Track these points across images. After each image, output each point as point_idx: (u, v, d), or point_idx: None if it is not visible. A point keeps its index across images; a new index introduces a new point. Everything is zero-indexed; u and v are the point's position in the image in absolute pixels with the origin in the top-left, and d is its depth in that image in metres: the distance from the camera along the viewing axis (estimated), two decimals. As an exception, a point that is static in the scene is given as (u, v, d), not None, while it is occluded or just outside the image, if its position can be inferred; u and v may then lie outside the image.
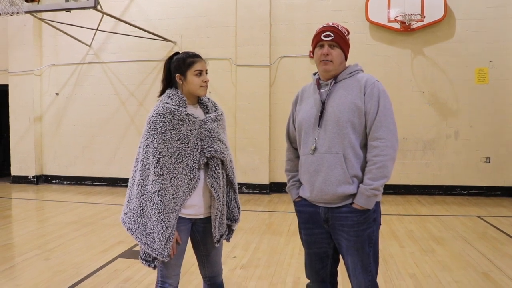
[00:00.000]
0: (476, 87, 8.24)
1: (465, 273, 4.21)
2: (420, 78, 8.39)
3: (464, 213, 6.92)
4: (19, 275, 4.22)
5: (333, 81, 2.46)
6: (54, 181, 10.03)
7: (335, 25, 2.48)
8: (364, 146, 2.40)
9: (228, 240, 2.76)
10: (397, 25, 8.22)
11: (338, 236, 2.43)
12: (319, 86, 2.52)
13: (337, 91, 2.43)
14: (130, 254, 4.87)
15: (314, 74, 2.62)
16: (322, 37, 2.45)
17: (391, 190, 8.39)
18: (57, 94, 9.91)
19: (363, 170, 2.37)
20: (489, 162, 8.27)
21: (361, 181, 2.37)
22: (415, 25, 8.13)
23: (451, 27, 8.27)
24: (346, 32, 2.51)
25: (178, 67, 2.57)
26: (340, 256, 2.56)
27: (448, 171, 8.39)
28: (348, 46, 2.52)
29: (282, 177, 8.80)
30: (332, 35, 2.43)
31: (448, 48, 8.28)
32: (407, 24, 8.08)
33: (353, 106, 2.36)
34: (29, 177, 9.95)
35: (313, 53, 2.55)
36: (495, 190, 8.27)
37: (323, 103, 2.43)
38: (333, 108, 2.39)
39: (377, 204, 2.43)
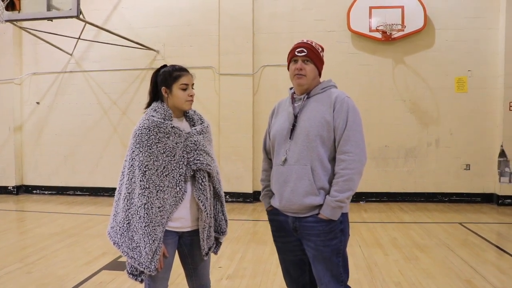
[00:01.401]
0: (456, 96, 8.40)
1: (449, 281, 4.27)
2: (401, 87, 8.52)
3: (445, 220, 7.02)
4: (1, 290, 4.15)
5: (306, 96, 2.56)
6: (35, 191, 9.88)
7: (309, 42, 2.59)
8: (333, 160, 2.48)
9: (215, 253, 2.77)
10: (378, 35, 8.33)
11: (305, 246, 2.52)
12: (293, 100, 2.62)
13: (309, 106, 2.53)
14: (115, 265, 4.82)
15: (291, 88, 2.71)
16: (296, 53, 2.56)
17: (374, 197, 8.47)
18: (37, 103, 9.78)
19: (330, 182, 2.46)
20: (469, 169, 8.42)
21: (328, 193, 2.45)
22: (396, 34, 8.26)
23: (431, 37, 8.42)
24: (320, 49, 2.62)
25: (164, 80, 2.57)
26: None
27: (430, 179, 8.51)
28: (321, 62, 2.62)
29: (266, 186, 8.78)
30: (305, 51, 2.54)
31: (428, 57, 8.43)
32: (388, 33, 8.21)
33: (323, 120, 2.45)
34: (9, 188, 9.78)
35: (288, 69, 2.64)
36: (475, 196, 8.41)
37: (296, 117, 2.53)
38: (304, 122, 2.48)
39: (345, 215, 2.52)
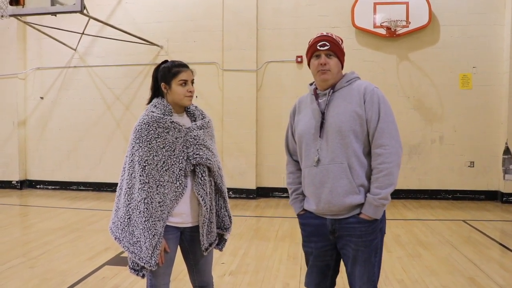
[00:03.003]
0: (460, 92, 8.35)
1: (452, 278, 4.26)
2: (405, 83, 8.48)
3: (449, 217, 7.00)
4: (4, 284, 4.14)
5: (331, 90, 2.42)
6: (38, 186, 9.91)
7: (329, 34, 2.45)
8: (368, 154, 2.37)
9: (221, 249, 2.76)
10: (382, 31, 8.30)
11: (345, 247, 2.41)
12: (316, 96, 2.47)
13: (336, 100, 2.40)
14: (117, 261, 4.82)
15: (311, 84, 2.57)
16: (318, 47, 2.40)
17: (377, 194, 8.43)
18: (41, 98, 9.79)
19: (368, 178, 2.35)
20: (473, 166, 8.38)
21: (367, 190, 2.34)
22: (400, 30, 8.22)
23: (436, 33, 8.37)
24: (341, 41, 2.49)
25: (164, 76, 2.57)
26: (341, 267, 2.55)
27: (433, 176, 8.48)
28: (343, 54, 2.49)
29: (268, 182, 8.81)
30: (328, 44, 2.40)
31: (432, 53, 8.39)
32: (392, 29, 8.17)
33: (354, 114, 2.33)
34: (12, 182, 9.81)
35: (308, 64, 2.51)
36: (479, 194, 8.38)
37: (323, 113, 2.39)
38: (334, 117, 2.35)
39: (384, 213, 2.41)
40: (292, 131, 2.61)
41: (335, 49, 2.42)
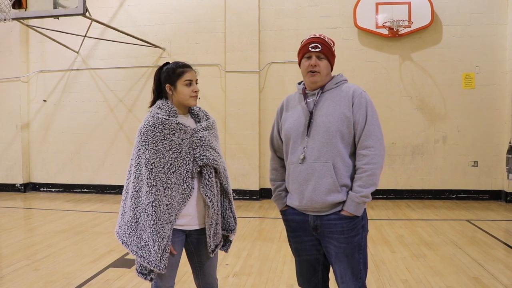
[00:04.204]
0: (463, 92, 8.34)
1: (457, 278, 4.25)
2: (408, 83, 8.47)
3: (453, 217, 6.98)
4: (8, 287, 4.15)
5: (320, 91, 2.49)
6: (42, 189, 9.92)
7: (321, 37, 2.52)
8: (352, 155, 2.43)
9: (226, 251, 2.76)
10: (385, 31, 8.28)
11: (327, 244, 2.45)
12: (305, 95, 2.54)
13: (325, 101, 2.46)
14: (121, 263, 4.82)
15: (299, 83, 2.64)
16: (310, 49, 2.47)
17: (381, 194, 8.43)
18: (44, 101, 9.81)
19: (351, 178, 2.41)
20: (477, 166, 8.36)
21: (349, 189, 2.40)
22: (402, 31, 8.21)
23: (438, 33, 8.36)
24: (332, 44, 2.55)
25: (168, 77, 2.56)
26: None
27: (437, 175, 8.46)
28: (334, 57, 2.55)
29: (272, 183, 8.78)
30: (320, 46, 2.46)
31: (435, 53, 8.37)
32: (395, 30, 8.15)
33: (342, 116, 2.39)
34: (16, 185, 9.83)
35: (299, 64, 2.56)
36: (483, 193, 8.36)
37: (311, 113, 2.45)
38: (322, 118, 2.41)
39: (364, 210, 2.47)
40: (278, 128, 2.66)
41: (326, 51, 2.48)
